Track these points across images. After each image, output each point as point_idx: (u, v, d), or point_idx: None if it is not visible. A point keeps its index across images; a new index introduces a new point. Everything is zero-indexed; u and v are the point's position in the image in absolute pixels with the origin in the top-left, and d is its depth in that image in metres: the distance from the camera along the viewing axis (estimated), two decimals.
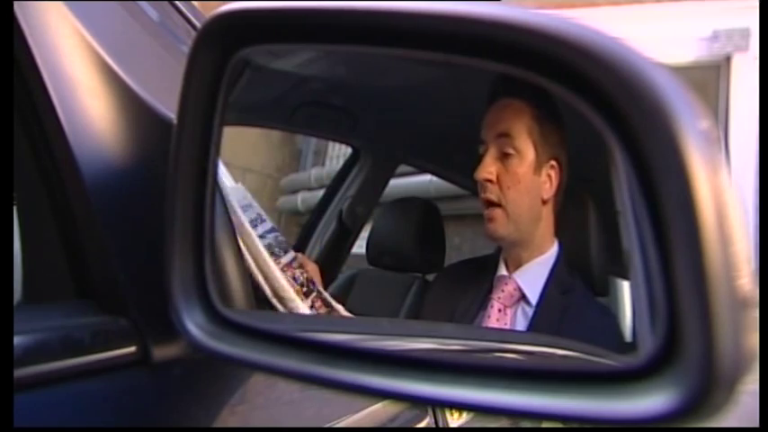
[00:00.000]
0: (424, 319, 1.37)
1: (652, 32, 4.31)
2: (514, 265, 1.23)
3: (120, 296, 0.56)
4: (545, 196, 1.18)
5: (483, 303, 1.20)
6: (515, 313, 1.21)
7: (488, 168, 1.16)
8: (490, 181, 1.16)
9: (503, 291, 1.21)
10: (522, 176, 1.16)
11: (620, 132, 0.41)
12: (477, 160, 1.20)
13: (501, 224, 1.18)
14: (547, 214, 1.20)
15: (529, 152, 1.16)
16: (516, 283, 1.21)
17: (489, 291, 1.24)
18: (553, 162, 1.17)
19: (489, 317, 1.20)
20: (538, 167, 1.17)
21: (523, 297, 1.21)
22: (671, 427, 0.41)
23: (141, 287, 0.58)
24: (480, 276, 1.26)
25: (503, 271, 1.24)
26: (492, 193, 1.16)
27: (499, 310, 1.21)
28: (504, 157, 1.16)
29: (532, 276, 1.21)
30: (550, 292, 1.20)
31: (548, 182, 1.18)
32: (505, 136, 1.16)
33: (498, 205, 1.17)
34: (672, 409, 0.39)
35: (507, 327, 1.19)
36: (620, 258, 1.14)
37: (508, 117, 1.17)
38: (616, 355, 0.68)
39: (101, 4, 0.65)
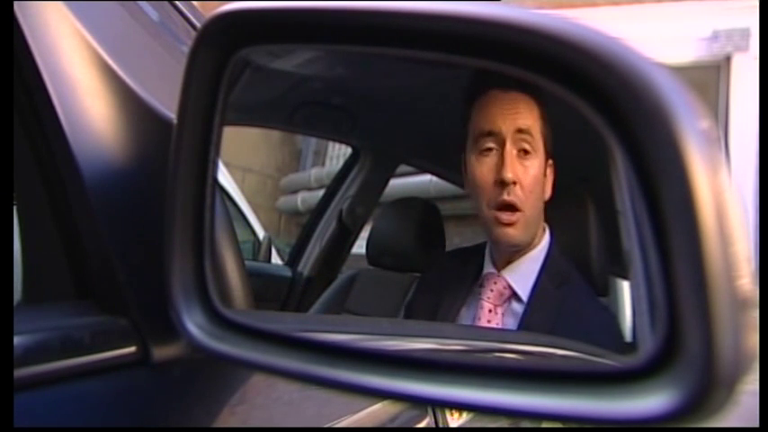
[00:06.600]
0: (413, 314, 1.32)
1: (652, 32, 4.31)
2: (503, 261, 1.14)
3: (120, 296, 0.56)
4: (546, 197, 1.12)
5: (466, 300, 1.14)
6: (506, 311, 1.13)
7: (515, 168, 1.05)
8: (515, 182, 1.06)
9: (491, 290, 1.14)
10: (538, 178, 1.08)
11: (621, 132, 0.41)
12: (466, 149, 1.11)
13: (521, 231, 1.08)
14: (542, 212, 1.13)
15: (541, 152, 1.08)
16: (506, 281, 1.13)
17: (474, 285, 1.16)
18: (551, 161, 1.11)
19: (480, 318, 1.13)
20: (544, 168, 1.10)
21: (514, 295, 1.13)
22: (671, 427, 0.41)
23: (141, 287, 0.58)
24: (463, 271, 1.18)
25: (490, 268, 1.15)
26: (516, 197, 1.06)
27: (489, 311, 1.13)
28: (521, 155, 1.07)
29: (523, 273, 1.13)
30: (544, 286, 1.12)
31: (548, 182, 1.11)
32: (525, 132, 1.06)
33: (520, 210, 1.07)
34: (672, 409, 0.39)
35: (499, 327, 1.12)
36: (620, 258, 1.13)
37: (525, 112, 1.07)
38: (616, 354, 0.68)
39: (101, 4, 0.65)
